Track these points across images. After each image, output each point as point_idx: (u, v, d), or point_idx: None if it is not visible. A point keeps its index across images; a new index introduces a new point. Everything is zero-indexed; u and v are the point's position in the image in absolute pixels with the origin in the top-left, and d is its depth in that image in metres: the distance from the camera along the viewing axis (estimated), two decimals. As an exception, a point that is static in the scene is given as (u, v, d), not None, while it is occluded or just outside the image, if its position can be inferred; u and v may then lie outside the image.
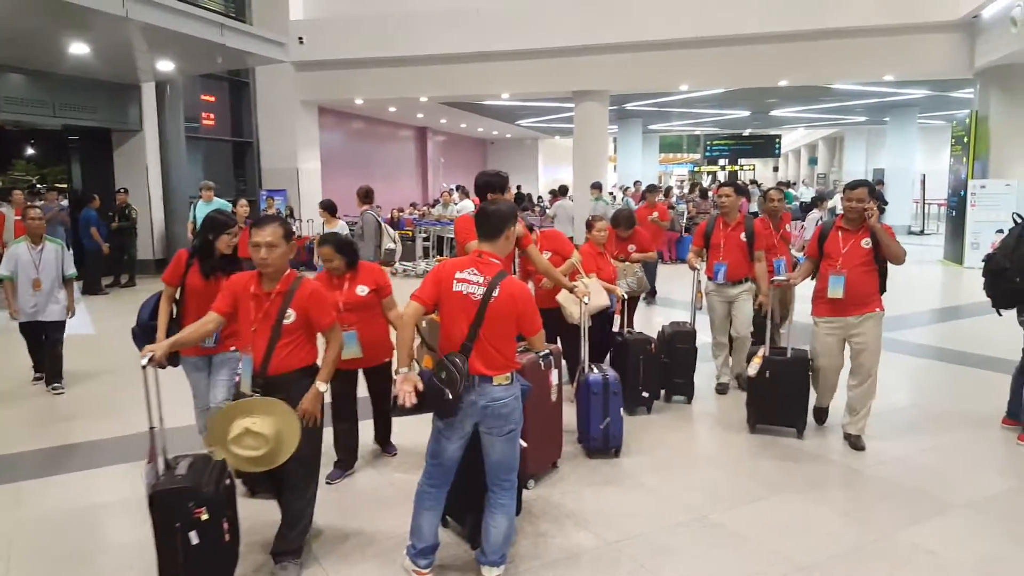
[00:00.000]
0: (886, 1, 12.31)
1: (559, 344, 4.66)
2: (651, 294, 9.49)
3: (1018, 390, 4.71)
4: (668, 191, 17.49)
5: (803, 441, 4.63)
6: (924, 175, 20.28)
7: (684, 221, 15.10)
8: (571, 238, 11.48)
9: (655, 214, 10.17)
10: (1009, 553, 3.29)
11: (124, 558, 3.29)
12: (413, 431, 4.11)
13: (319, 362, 3.18)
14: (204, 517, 2.68)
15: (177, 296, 3.92)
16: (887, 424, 4.84)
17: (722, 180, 29.18)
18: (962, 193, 12.89)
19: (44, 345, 6.05)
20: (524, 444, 3.19)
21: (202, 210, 9.73)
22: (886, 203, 16.31)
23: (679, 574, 3.14)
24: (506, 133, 27.42)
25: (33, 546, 3.47)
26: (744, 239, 5.38)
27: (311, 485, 3.19)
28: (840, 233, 4.47)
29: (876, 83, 15.20)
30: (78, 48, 9.53)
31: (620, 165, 22.28)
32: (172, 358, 3.92)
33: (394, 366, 3.71)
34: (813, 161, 35.20)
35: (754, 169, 32.08)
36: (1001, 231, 4.94)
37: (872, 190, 4.43)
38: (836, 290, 4.37)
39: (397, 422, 4.35)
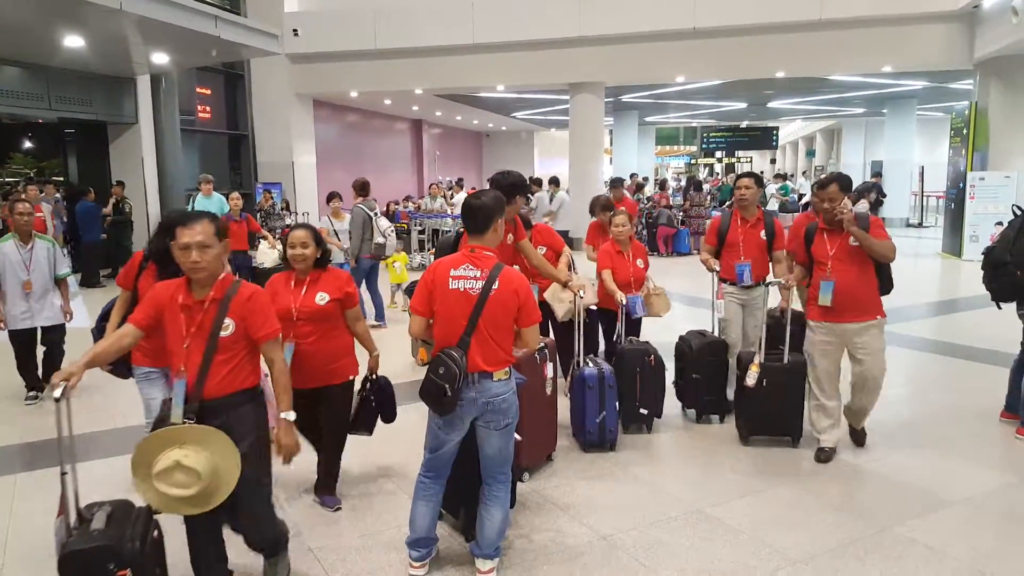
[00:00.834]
0: (884, -9, 12.26)
1: (552, 336, 4.64)
2: None
3: (1017, 383, 4.69)
4: (664, 184, 17.41)
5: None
6: (923, 167, 20.26)
7: (680, 215, 15.08)
8: (566, 232, 11.48)
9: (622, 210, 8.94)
10: (1006, 549, 3.28)
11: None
12: (404, 422, 4.09)
13: (264, 384, 2.83)
14: None
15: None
16: (884, 418, 4.81)
17: (719, 172, 29.19)
18: (961, 185, 12.86)
19: (35, 356, 5.46)
20: (519, 437, 3.17)
21: (201, 204, 9.64)
22: (884, 195, 16.27)
23: (673, 567, 3.13)
24: (501, 126, 27.34)
25: (28, 539, 3.44)
26: (764, 237, 4.87)
27: (269, 506, 2.87)
28: (825, 235, 4.13)
29: (874, 74, 15.14)
30: (73, 41, 9.49)
31: (616, 157, 22.21)
32: (122, 369, 3.70)
33: (356, 386, 3.60)
34: (811, 153, 35.12)
35: (751, 161, 32.00)
36: (1000, 224, 4.91)
37: (845, 186, 4.10)
38: (825, 297, 4.04)
39: (404, 409, 4.11)
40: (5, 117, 12.45)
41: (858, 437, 4.46)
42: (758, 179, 5.06)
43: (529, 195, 18.18)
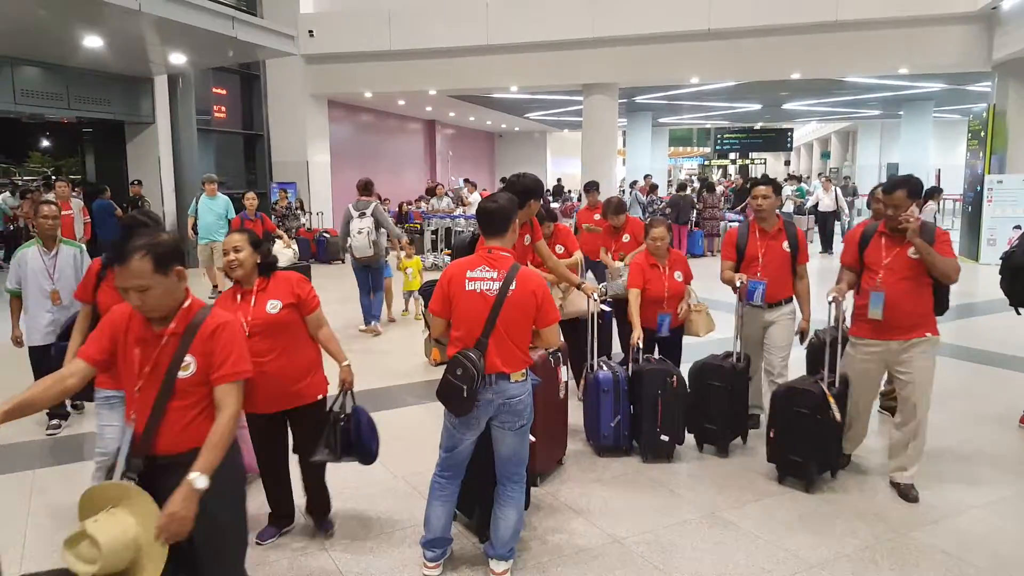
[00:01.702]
0: (901, -8, 12.16)
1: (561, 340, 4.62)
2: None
3: (1034, 388, 4.63)
4: (683, 186, 17.28)
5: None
6: (939, 170, 20.08)
7: (693, 216, 15.00)
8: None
9: (598, 216, 6.63)
10: (1024, 554, 3.25)
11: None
12: (417, 422, 4.11)
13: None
14: None
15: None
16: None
17: (733, 174, 29.04)
18: (978, 188, 12.73)
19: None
20: (533, 439, 3.18)
21: (205, 205, 9.29)
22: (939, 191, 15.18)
23: (688, 571, 3.13)
24: (514, 126, 27.37)
25: (47, 534, 3.47)
26: (787, 248, 4.37)
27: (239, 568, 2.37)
28: (883, 239, 3.69)
29: (891, 76, 15.02)
30: (92, 41, 9.59)
31: (629, 158, 22.16)
32: (87, 391, 3.12)
33: (328, 404, 3.26)
34: (826, 155, 34.92)
35: (765, 163, 31.79)
36: (1019, 227, 4.87)
37: (914, 191, 3.56)
38: (876, 310, 3.60)
39: (417, 409, 4.14)
40: (25, 116, 12.61)
41: (905, 493, 3.76)
42: (776, 186, 4.45)
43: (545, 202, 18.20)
